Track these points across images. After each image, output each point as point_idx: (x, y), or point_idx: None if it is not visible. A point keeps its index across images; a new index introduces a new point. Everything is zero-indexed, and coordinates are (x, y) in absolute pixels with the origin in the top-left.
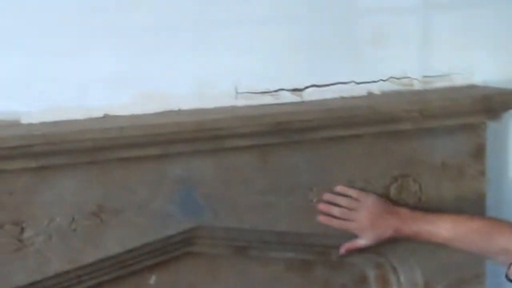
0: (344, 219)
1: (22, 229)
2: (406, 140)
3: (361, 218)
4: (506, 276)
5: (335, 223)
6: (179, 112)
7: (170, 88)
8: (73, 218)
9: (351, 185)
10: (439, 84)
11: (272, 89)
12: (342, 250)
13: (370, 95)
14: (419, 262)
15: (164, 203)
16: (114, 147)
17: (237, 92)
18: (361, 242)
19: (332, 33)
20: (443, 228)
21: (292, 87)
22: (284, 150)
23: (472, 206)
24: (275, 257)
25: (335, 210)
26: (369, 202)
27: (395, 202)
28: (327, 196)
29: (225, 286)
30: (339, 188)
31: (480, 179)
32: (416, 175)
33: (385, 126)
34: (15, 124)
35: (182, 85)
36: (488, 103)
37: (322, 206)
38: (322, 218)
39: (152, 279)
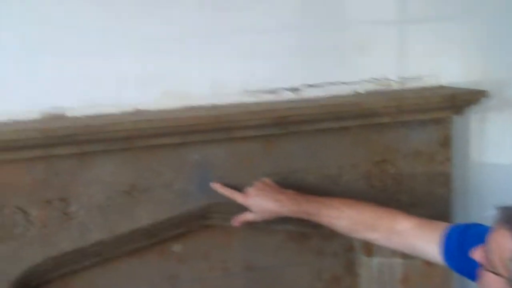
0: (234, 190)
1: (68, 204)
2: (385, 131)
3: (249, 191)
4: None
5: (224, 190)
6: (198, 107)
7: (189, 87)
8: (110, 195)
9: (340, 169)
10: (413, 84)
11: (274, 88)
12: (234, 222)
13: (356, 93)
14: None
15: (185, 183)
16: (144, 136)
17: (245, 91)
18: (249, 215)
19: (324, 41)
20: (330, 206)
21: (290, 87)
22: (284, 139)
23: (440, 186)
24: (278, 229)
25: None
26: (258, 181)
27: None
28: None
29: (236, 253)
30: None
31: (447, 164)
32: (394, 160)
33: (368, 119)
34: (61, 117)
35: (199, 85)
36: (454, 101)
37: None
38: (215, 185)
39: (175, 247)
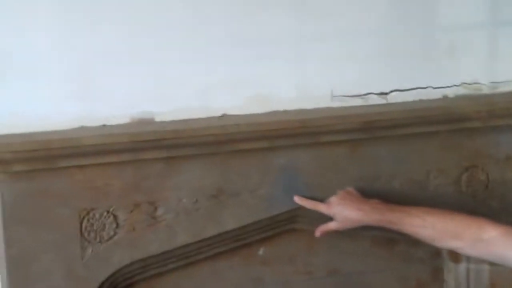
0: (316, 201)
1: (155, 208)
2: (475, 136)
3: (332, 201)
4: None
5: (306, 203)
6: (284, 112)
7: (276, 92)
8: (197, 199)
9: (428, 174)
10: (504, 88)
11: (362, 92)
12: (317, 233)
13: (445, 98)
14: None
15: (271, 187)
16: (231, 141)
17: (332, 96)
18: (332, 224)
19: (413, 44)
20: (413, 215)
21: (379, 91)
22: (371, 144)
23: None
24: (363, 234)
25: None
26: (341, 190)
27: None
28: None
29: (321, 257)
30: None
31: None
32: (484, 165)
33: (458, 124)
34: (150, 122)
35: (286, 89)
36: None
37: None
38: (296, 198)
39: (261, 251)
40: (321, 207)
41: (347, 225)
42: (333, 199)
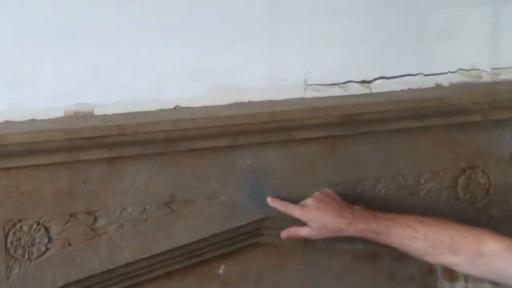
0: (290, 203)
1: (95, 218)
2: (474, 132)
3: (308, 204)
4: None
5: (279, 204)
6: (250, 104)
7: (240, 81)
8: (145, 208)
9: (419, 177)
10: (508, 76)
11: (340, 81)
12: (284, 234)
13: (439, 86)
14: None
15: (234, 193)
16: (186, 138)
17: (306, 84)
18: (305, 230)
19: (401, 25)
20: (403, 224)
21: (360, 79)
22: (352, 141)
23: None
24: (343, 248)
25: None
26: (318, 192)
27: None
28: None
29: (293, 277)
30: None
31: None
32: (485, 166)
33: (454, 118)
34: (89, 115)
35: (252, 78)
36: None
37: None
38: (269, 200)
39: (221, 269)
40: (294, 210)
41: (324, 234)
42: (310, 201)
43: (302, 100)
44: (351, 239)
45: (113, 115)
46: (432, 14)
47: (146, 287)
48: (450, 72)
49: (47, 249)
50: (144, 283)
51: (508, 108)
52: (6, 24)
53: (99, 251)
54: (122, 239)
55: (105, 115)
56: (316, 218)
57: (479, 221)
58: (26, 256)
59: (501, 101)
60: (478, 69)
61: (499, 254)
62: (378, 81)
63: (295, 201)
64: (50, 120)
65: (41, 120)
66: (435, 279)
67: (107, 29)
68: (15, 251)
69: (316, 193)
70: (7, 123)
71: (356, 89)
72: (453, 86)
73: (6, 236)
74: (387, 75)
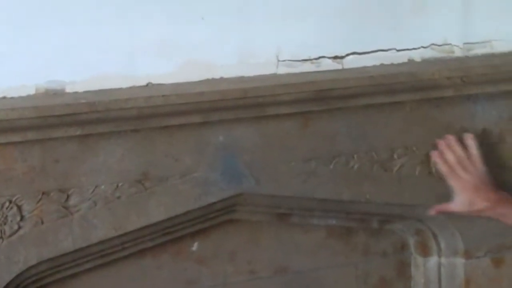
0: (451, 171)
1: (68, 197)
2: (447, 107)
3: (467, 178)
4: None
5: (444, 167)
6: (221, 80)
7: (212, 57)
8: (118, 186)
9: (392, 152)
10: (480, 50)
11: (313, 56)
12: (432, 211)
13: (411, 62)
14: (459, 228)
15: (207, 170)
16: (158, 115)
17: (278, 60)
18: (453, 206)
19: (373, 0)
20: None
21: (333, 55)
22: (325, 117)
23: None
24: (316, 224)
25: (449, 155)
26: (480, 169)
27: None
28: (448, 138)
29: (266, 253)
30: (469, 136)
31: None
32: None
33: (426, 93)
34: (60, 93)
35: (224, 54)
36: None
37: (440, 143)
38: (435, 154)
39: (195, 246)
40: (453, 181)
41: (469, 210)
42: (467, 176)
43: (274, 76)
44: (325, 214)
45: (85, 92)
46: None
47: (119, 265)
48: (423, 47)
49: (19, 228)
50: (118, 261)
51: (480, 83)
52: None
53: (72, 229)
54: (95, 217)
55: (76, 92)
56: (467, 194)
57: (451, 196)
58: None
59: (473, 76)
60: (450, 44)
61: None
62: (351, 56)
63: (268, 177)
64: (21, 97)
65: (12, 98)
66: (408, 254)
67: (76, 4)
68: None
69: (476, 167)
70: None
71: (329, 65)
72: (425, 61)
73: None
74: (359, 51)
